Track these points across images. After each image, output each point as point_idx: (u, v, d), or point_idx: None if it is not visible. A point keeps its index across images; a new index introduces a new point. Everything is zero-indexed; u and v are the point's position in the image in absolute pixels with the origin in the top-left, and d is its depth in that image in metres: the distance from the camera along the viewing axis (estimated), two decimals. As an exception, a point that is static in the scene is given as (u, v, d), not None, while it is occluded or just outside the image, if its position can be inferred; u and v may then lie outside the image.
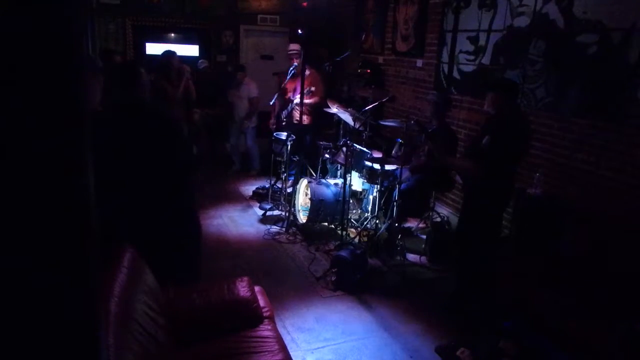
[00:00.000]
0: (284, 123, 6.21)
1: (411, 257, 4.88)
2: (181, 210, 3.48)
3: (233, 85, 6.94)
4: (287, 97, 6.36)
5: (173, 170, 3.31)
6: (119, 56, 6.73)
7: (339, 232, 4.96)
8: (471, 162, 3.74)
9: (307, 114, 6.29)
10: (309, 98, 6.08)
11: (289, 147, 5.67)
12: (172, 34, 8.10)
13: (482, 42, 5.18)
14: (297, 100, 6.00)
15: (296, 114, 6.18)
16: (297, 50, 6.26)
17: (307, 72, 6.13)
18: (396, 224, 4.87)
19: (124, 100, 3.30)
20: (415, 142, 5.07)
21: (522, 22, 4.66)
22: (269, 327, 2.82)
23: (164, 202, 3.28)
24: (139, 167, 3.14)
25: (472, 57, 5.35)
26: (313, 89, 5.97)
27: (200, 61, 7.78)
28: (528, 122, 3.79)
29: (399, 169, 4.66)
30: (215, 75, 7.68)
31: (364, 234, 5.17)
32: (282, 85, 6.25)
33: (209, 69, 7.67)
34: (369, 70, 7.02)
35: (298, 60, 6.19)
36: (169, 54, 6.03)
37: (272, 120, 6.62)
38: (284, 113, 6.28)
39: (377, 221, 5.09)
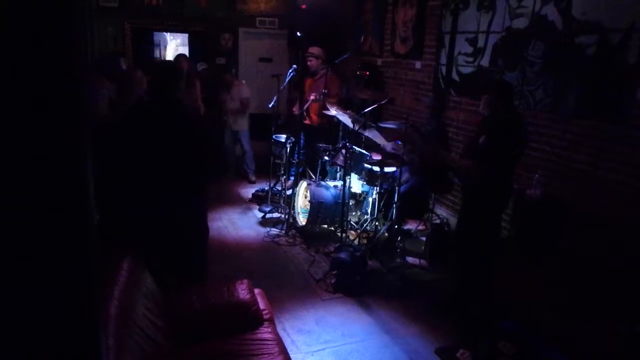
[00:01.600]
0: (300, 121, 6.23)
1: (411, 259, 4.88)
2: (197, 210, 3.54)
3: (222, 88, 6.95)
4: (305, 97, 6.34)
5: (197, 171, 3.37)
6: (123, 60, 6.74)
7: (339, 234, 4.95)
8: (469, 162, 3.74)
9: (318, 115, 6.30)
10: (325, 101, 6.11)
11: (288, 149, 5.67)
12: (171, 37, 8.11)
13: (480, 43, 5.19)
14: (312, 97, 6.03)
15: (311, 115, 6.20)
16: (314, 53, 6.26)
17: (324, 75, 6.13)
18: (396, 226, 4.87)
19: (161, 100, 3.37)
20: (415, 143, 5.06)
21: (521, 23, 4.66)
22: (269, 330, 2.82)
23: (184, 200, 3.34)
24: (167, 165, 3.20)
25: (470, 59, 5.36)
26: (325, 91, 5.99)
27: (199, 63, 7.77)
28: (524, 123, 3.79)
29: (399, 171, 4.66)
30: (212, 77, 7.69)
31: (364, 236, 5.16)
32: (282, 87, 6.23)
33: (207, 71, 7.67)
34: (367, 72, 7.01)
35: (316, 63, 6.20)
36: (177, 57, 6.24)
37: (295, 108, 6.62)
38: (296, 111, 6.32)
39: (377, 223, 5.09)
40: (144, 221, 3.19)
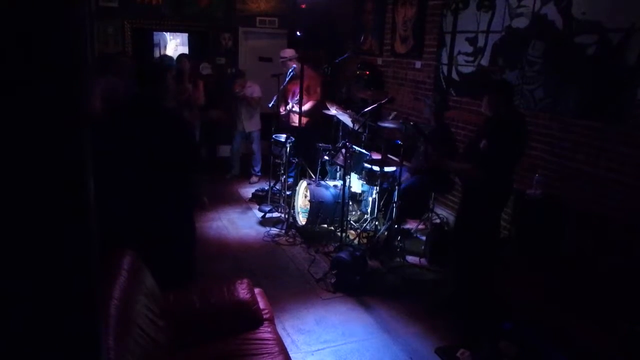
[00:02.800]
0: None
1: (411, 258, 4.88)
2: (179, 209, 3.52)
3: (233, 91, 6.92)
4: (287, 98, 6.36)
5: (176, 169, 3.36)
6: (127, 59, 6.73)
7: (339, 233, 4.95)
8: (470, 165, 3.74)
9: (305, 116, 6.29)
10: (304, 104, 6.10)
11: (288, 149, 5.67)
12: (171, 37, 8.10)
13: (480, 43, 5.19)
14: (294, 107, 6.01)
15: (294, 117, 6.17)
16: (289, 56, 6.25)
17: (304, 73, 6.12)
18: (395, 226, 4.87)
19: (143, 97, 3.37)
20: (414, 144, 5.07)
21: (521, 23, 4.66)
22: (269, 329, 2.81)
23: (164, 199, 3.33)
24: (145, 164, 3.20)
25: (470, 59, 5.36)
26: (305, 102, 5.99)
27: (202, 65, 7.74)
28: (525, 123, 3.79)
29: (399, 170, 4.66)
30: (216, 78, 7.69)
31: (364, 235, 5.16)
32: (282, 87, 6.24)
33: (212, 76, 7.66)
34: (367, 72, 7.01)
35: (292, 64, 6.19)
36: (179, 57, 6.39)
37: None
38: (282, 112, 6.30)
39: (377, 223, 5.09)
40: (126, 219, 3.20)
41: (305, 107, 5.55)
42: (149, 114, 3.32)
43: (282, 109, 6.33)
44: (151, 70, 3.43)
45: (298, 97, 5.81)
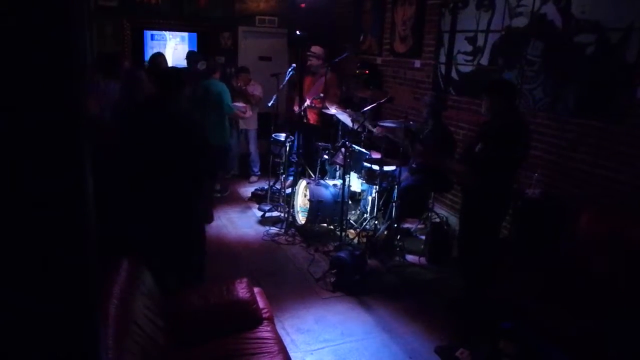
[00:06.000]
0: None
1: (410, 257, 4.88)
2: (190, 212, 3.55)
3: (235, 85, 6.91)
4: (304, 95, 6.30)
5: (192, 175, 3.40)
6: (127, 61, 6.71)
7: (338, 233, 4.96)
8: (465, 167, 3.66)
9: (317, 115, 6.28)
10: (319, 103, 6.08)
11: (287, 148, 5.66)
12: (170, 36, 8.09)
13: (480, 42, 5.19)
14: (307, 102, 6.00)
15: (309, 115, 6.17)
16: (316, 52, 6.23)
17: (327, 75, 6.05)
18: (395, 225, 4.87)
19: (159, 102, 3.40)
20: (412, 143, 5.07)
21: (520, 22, 4.66)
22: (268, 329, 2.82)
23: (178, 202, 3.36)
24: (162, 169, 3.22)
25: (470, 58, 5.35)
26: (322, 95, 5.94)
27: (200, 63, 7.73)
28: (527, 126, 3.72)
29: (398, 170, 4.66)
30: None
31: (363, 234, 5.16)
32: (283, 84, 6.21)
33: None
34: (367, 71, 7.01)
35: (317, 62, 6.18)
36: (154, 55, 6.28)
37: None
38: (297, 110, 6.28)
39: (376, 222, 5.09)
40: (140, 224, 3.21)
41: (332, 111, 5.49)
42: (171, 118, 3.35)
43: (296, 107, 6.27)
44: (176, 76, 3.50)
45: (316, 95, 5.81)
